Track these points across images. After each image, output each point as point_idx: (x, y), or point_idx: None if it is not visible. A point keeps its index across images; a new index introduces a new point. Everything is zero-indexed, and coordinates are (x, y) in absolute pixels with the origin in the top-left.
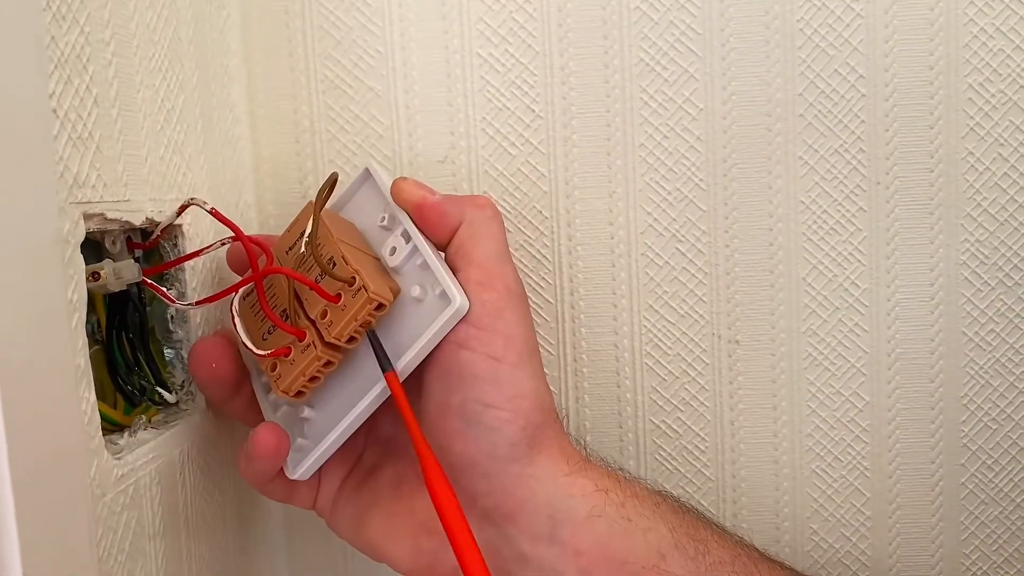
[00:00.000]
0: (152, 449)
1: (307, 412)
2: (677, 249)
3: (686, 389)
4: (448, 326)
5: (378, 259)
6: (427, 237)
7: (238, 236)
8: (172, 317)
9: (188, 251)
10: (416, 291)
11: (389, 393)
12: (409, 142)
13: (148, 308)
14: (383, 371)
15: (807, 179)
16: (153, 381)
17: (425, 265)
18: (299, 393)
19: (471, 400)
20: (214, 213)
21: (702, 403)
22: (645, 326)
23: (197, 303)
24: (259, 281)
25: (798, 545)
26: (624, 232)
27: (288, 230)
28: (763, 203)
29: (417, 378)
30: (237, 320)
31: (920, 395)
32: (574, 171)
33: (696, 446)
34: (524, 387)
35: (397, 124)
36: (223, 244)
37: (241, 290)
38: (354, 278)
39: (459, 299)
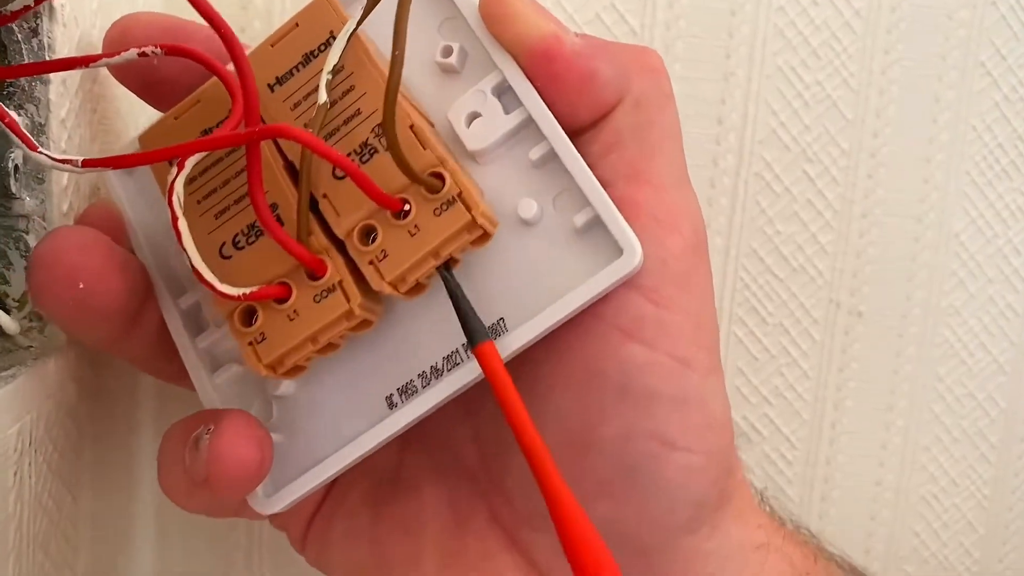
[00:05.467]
0: None
1: (284, 387)
2: (804, 172)
3: (782, 375)
4: (604, 291)
5: (433, 126)
6: (552, 110)
7: (228, 42)
8: (17, 169)
9: (61, 55)
10: (528, 209)
11: (471, 382)
12: None
13: None
14: (471, 341)
15: (984, 96)
16: None
17: (551, 159)
18: (296, 368)
19: (642, 435)
20: None
21: (799, 396)
22: (742, 279)
23: (85, 164)
24: (255, 145)
25: None
26: (735, 137)
27: (272, 43)
28: (926, 121)
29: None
30: (182, 221)
31: None
32: (678, 32)
33: (782, 455)
34: (717, 411)
35: None
36: (143, 55)
37: (190, 162)
38: (440, 174)
39: (637, 248)
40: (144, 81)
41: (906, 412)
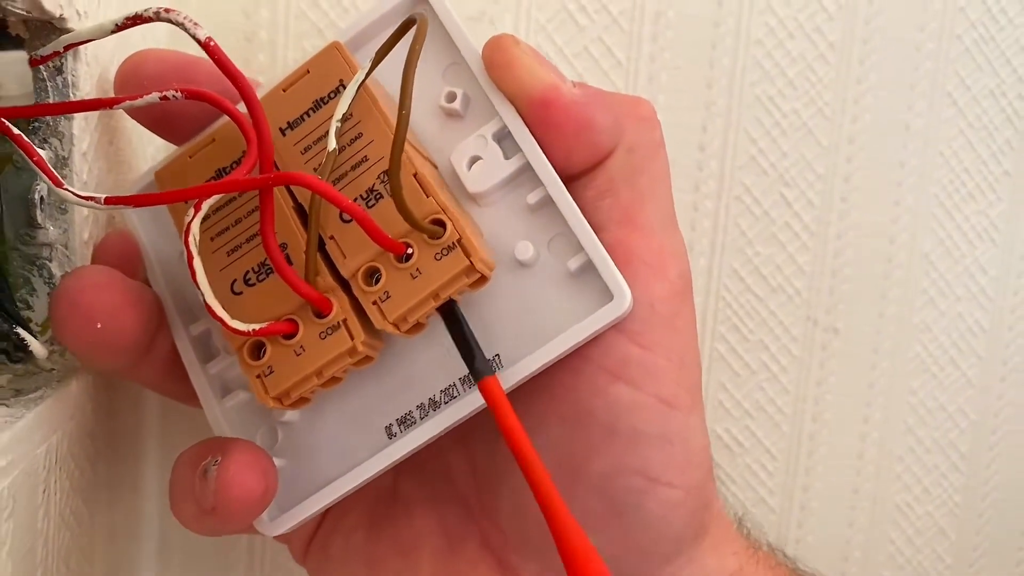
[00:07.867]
0: (4, 449)
1: (290, 414)
2: (782, 195)
3: (762, 389)
4: (594, 333)
5: (436, 167)
6: (549, 156)
7: (247, 96)
8: (42, 200)
9: (84, 92)
10: (525, 251)
11: (474, 411)
12: None
13: None
14: (475, 375)
15: (951, 124)
16: (8, 317)
17: (547, 204)
18: (301, 400)
19: (627, 471)
20: (212, 50)
21: (779, 409)
22: (724, 298)
23: (108, 202)
24: (269, 191)
25: None
26: (716, 163)
27: (284, 88)
28: (896, 147)
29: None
30: (196, 261)
31: None
32: (662, 63)
33: (763, 466)
34: (697, 446)
35: None
36: (164, 99)
37: (207, 204)
38: (442, 221)
39: (627, 294)
40: (156, 117)
41: (881, 424)
